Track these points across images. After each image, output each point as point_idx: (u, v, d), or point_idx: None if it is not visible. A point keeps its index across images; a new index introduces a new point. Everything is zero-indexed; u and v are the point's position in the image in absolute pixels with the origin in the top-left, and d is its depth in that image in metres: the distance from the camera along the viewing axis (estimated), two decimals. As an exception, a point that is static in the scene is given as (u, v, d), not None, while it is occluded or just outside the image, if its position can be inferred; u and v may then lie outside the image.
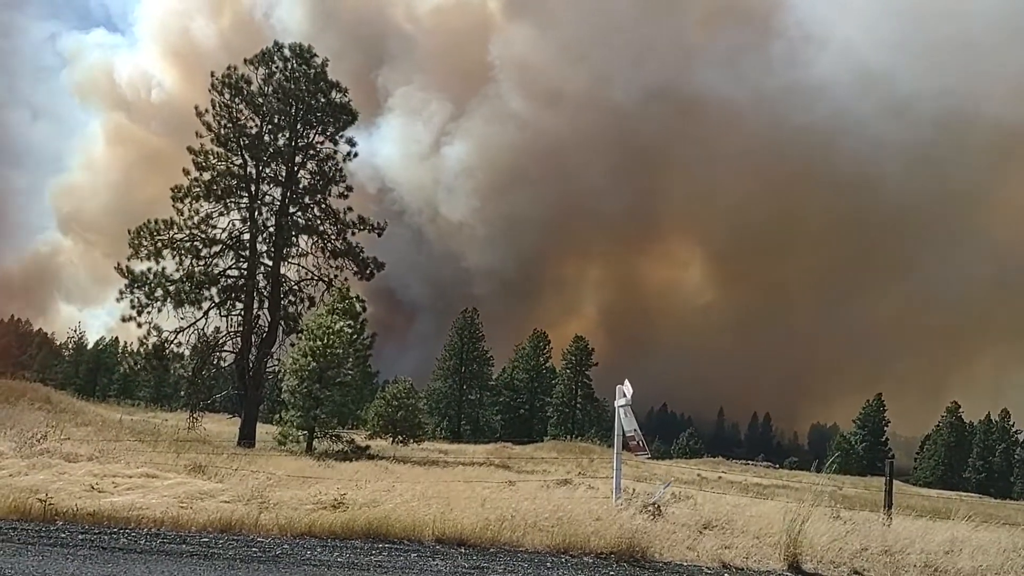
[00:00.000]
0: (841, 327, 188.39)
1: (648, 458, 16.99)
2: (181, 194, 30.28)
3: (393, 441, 39.09)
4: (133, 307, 30.22)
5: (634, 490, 13.61)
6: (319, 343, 27.19)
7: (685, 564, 9.53)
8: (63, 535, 8.58)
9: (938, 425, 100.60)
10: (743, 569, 9.62)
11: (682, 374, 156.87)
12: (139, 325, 30.44)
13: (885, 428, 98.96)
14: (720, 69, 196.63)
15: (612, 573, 8.81)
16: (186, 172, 30.66)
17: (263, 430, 31.62)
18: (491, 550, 9.30)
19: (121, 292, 30.36)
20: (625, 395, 12.42)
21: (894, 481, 15.90)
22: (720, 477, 37.60)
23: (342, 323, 27.98)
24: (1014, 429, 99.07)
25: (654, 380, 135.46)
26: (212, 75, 31.39)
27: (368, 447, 29.92)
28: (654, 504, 11.78)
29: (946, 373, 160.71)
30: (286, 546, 8.76)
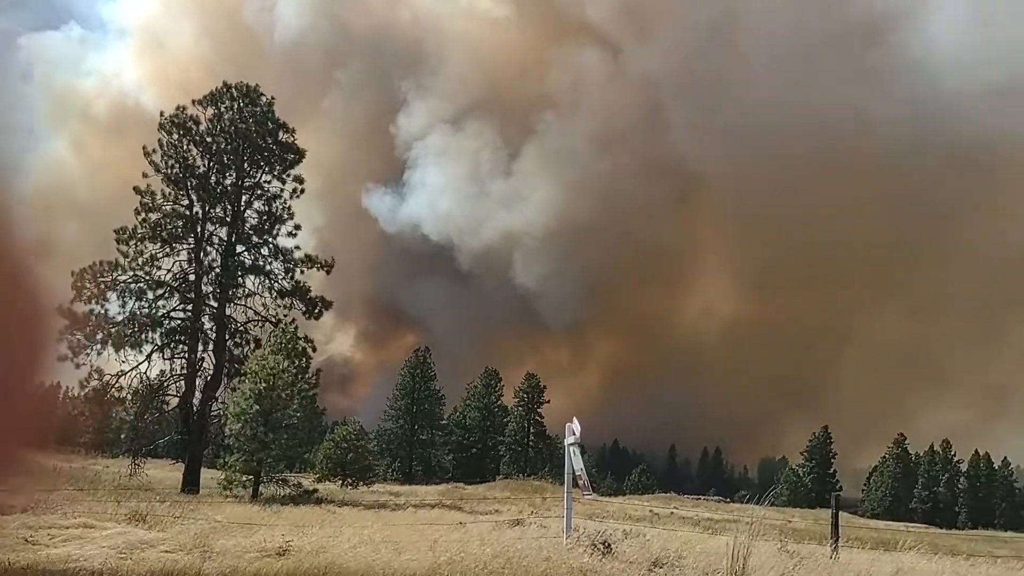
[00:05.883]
0: (795, 360, 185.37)
1: (593, 498, 16.99)
2: (126, 236, 29.77)
3: (343, 484, 38.50)
4: (70, 347, 29.49)
5: (583, 528, 13.59)
6: (263, 385, 26.74)
7: (635, 603, 9.52)
8: (-7, 591, 8.29)
9: (884, 456, 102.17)
10: (692, 606, 9.64)
11: (634, 410, 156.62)
12: (77, 366, 29.74)
13: (832, 460, 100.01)
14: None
15: (562, 614, 8.76)
16: (137, 212, 30.21)
17: (208, 475, 30.86)
18: (440, 594, 9.19)
19: (60, 332, 29.56)
20: (574, 433, 12.47)
21: (842, 513, 16.13)
22: (672, 513, 37.62)
23: (286, 363, 27.53)
24: (955, 459, 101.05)
25: (607, 416, 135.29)
26: (161, 114, 31.31)
27: (316, 491, 29.33)
28: (604, 542, 11.77)
29: (891, 406, 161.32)
30: (229, 596, 8.56)
